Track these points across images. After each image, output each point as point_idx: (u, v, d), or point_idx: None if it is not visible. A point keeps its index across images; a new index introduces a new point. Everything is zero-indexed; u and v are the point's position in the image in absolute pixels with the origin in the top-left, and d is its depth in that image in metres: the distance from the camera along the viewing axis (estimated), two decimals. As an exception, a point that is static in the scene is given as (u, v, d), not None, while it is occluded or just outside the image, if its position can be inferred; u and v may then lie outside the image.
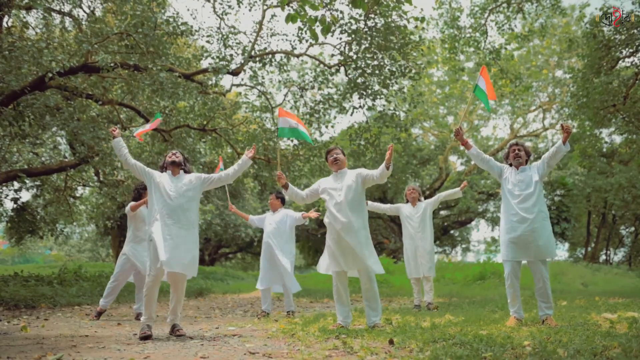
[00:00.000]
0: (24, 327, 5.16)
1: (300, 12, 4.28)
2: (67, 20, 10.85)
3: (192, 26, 10.06)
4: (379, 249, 29.50)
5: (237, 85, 12.84)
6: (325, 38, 10.68)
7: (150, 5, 9.48)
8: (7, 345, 4.14)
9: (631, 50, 10.46)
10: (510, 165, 5.21)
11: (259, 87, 12.39)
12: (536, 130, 25.52)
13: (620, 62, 11.07)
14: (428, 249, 7.32)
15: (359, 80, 11.23)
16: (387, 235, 30.71)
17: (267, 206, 24.31)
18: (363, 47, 10.95)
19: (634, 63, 10.75)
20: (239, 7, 11.26)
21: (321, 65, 12.23)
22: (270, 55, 11.35)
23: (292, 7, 9.88)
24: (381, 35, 10.53)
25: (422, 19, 10.73)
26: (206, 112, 11.78)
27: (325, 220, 5.05)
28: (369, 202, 7.27)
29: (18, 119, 10.05)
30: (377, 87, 11.33)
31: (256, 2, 11.36)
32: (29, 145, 13.11)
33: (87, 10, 10.64)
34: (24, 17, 10.78)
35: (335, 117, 12.38)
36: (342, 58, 11.42)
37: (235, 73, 11.00)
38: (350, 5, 10.04)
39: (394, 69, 11.13)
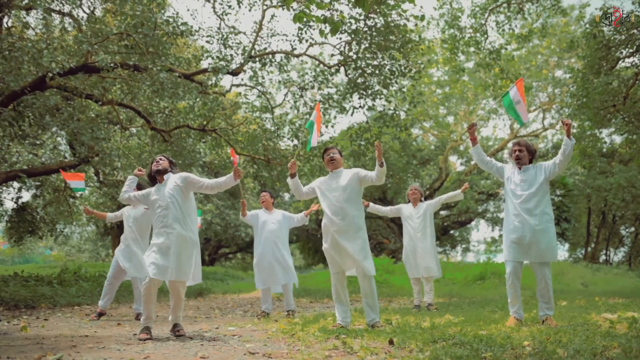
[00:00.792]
0: (23, 327, 5.16)
1: (307, 12, 4.27)
2: (67, 20, 10.86)
3: (192, 26, 10.06)
4: (379, 249, 29.52)
5: (237, 86, 12.85)
6: (333, 37, 10.67)
7: (150, 5, 9.48)
8: (7, 345, 4.14)
9: (631, 50, 10.45)
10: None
11: (258, 87, 12.39)
12: (536, 131, 25.53)
13: (620, 62, 11.06)
14: (429, 250, 7.27)
15: (359, 80, 11.23)
16: (386, 235, 30.71)
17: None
18: (363, 47, 10.95)
19: (634, 63, 10.75)
20: (239, 7, 11.26)
21: (321, 65, 12.23)
22: (270, 56, 11.35)
23: (293, 7, 9.88)
24: (381, 35, 10.53)
25: (422, 17, 10.73)
26: (206, 113, 11.78)
27: (323, 222, 5.04)
28: (370, 204, 7.24)
29: (18, 120, 10.06)
30: (377, 87, 11.33)
31: (256, 2, 11.36)
32: (28, 146, 13.11)
33: (87, 11, 10.65)
34: (24, 18, 10.78)
35: (335, 117, 12.38)
36: (342, 58, 11.42)
37: (235, 73, 11.00)
38: (350, 5, 10.04)
39: (394, 69, 11.13)
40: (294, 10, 10.92)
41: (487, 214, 30.02)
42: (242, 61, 10.86)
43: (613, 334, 3.87)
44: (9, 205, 14.80)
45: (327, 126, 12.42)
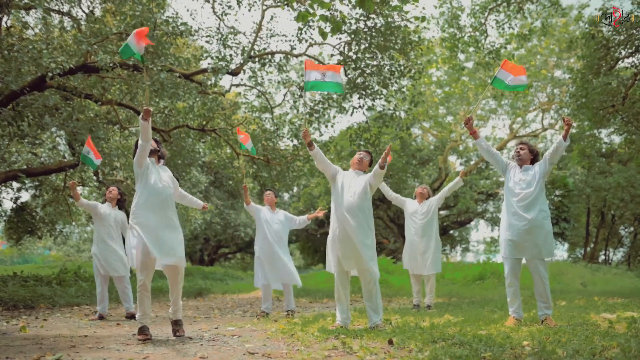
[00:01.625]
0: (23, 328, 5.16)
1: (310, 11, 4.27)
2: (66, 20, 10.85)
3: (191, 26, 10.05)
4: (379, 249, 29.51)
5: (237, 86, 12.85)
6: (334, 36, 10.68)
7: (149, 5, 9.48)
8: (6, 345, 4.14)
9: (630, 50, 10.46)
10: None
11: (258, 88, 12.39)
12: (535, 131, 25.55)
13: (619, 62, 11.07)
14: (433, 246, 7.24)
15: (358, 81, 11.23)
16: (386, 235, 30.72)
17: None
18: (363, 47, 10.95)
19: (633, 63, 10.75)
20: (239, 7, 11.26)
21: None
22: (269, 56, 11.35)
23: (292, 5, 9.87)
24: (381, 36, 10.53)
25: (423, 18, 10.73)
26: (205, 112, 11.78)
27: (333, 218, 5.01)
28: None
29: (17, 119, 10.05)
30: (376, 87, 11.33)
31: (255, 2, 11.36)
32: (28, 145, 13.11)
33: (86, 11, 10.65)
34: (23, 17, 10.78)
35: (334, 117, 12.38)
36: (341, 58, 11.42)
37: (234, 73, 11.00)
38: (351, 6, 10.04)
39: (393, 69, 11.13)
40: (293, 10, 10.93)
41: (486, 214, 30.03)
42: (242, 61, 10.86)
43: (612, 333, 3.87)
44: (8, 205, 14.81)
45: (326, 126, 12.42)
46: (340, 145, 19.60)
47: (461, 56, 15.62)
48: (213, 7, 11.37)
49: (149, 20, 9.07)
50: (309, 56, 12.23)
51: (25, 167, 12.39)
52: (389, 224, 28.12)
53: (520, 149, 5.15)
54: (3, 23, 9.75)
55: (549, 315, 4.83)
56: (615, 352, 3.14)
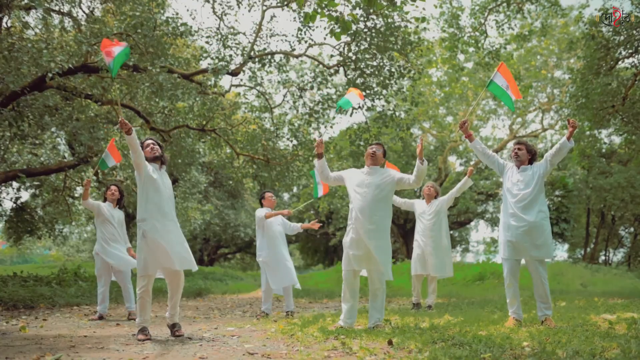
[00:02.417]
0: (22, 328, 5.15)
1: (319, 11, 4.25)
2: (67, 20, 10.85)
3: (191, 27, 10.05)
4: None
5: (236, 86, 12.86)
6: (344, 36, 10.67)
7: (149, 5, 9.48)
8: (5, 345, 4.14)
9: (630, 51, 10.46)
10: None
11: (258, 88, 12.39)
12: (535, 131, 25.55)
13: (619, 62, 11.07)
14: (443, 248, 7.15)
15: (358, 81, 11.22)
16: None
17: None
18: (362, 47, 10.95)
19: (633, 64, 10.76)
20: (239, 7, 11.27)
21: (320, 66, 12.23)
22: (269, 56, 11.35)
23: (301, 6, 9.84)
24: (381, 36, 10.53)
25: (423, 19, 10.73)
26: (205, 113, 11.78)
27: (349, 216, 4.95)
28: None
29: (17, 119, 10.05)
30: (376, 88, 11.33)
31: (255, 2, 11.36)
32: (28, 146, 13.10)
33: (87, 11, 10.65)
34: (24, 18, 10.77)
35: (334, 118, 12.38)
36: (341, 59, 11.42)
37: (234, 73, 11.00)
38: (353, 6, 10.02)
39: (393, 70, 11.13)
40: (293, 10, 10.92)
41: (486, 215, 30.04)
42: (242, 61, 10.87)
43: (612, 334, 3.87)
44: (8, 205, 14.80)
45: (325, 126, 12.42)
46: (340, 146, 19.61)
47: (461, 56, 15.62)
48: (213, 7, 11.38)
49: (149, 20, 9.07)
50: (309, 56, 12.24)
51: (25, 167, 12.39)
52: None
53: (518, 149, 5.09)
54: (3, 23, 9.75)
55: (549, 315, 4.82)
56: (615, 353, 3.14)
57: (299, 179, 12.91)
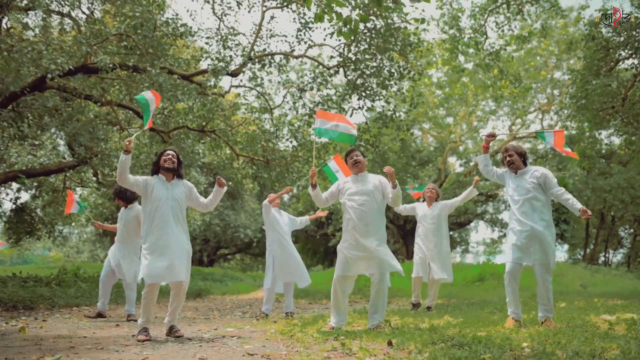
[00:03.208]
0: (22, 328, 5.15)
1: (326, 10, 4.23)
2: (66, 21, 10.85)
3: (191, 27, 10.06)
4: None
5: (236, 87, 12.86)
6: (333, 37, 10.68)
7: (149, 6, 9.48)
8: (5, 346, 4.13)
9: (630, 52, 10.46)
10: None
11: (257, 89, 12.40)
12: (535, 132, 25.54)
13: (619, 63, 11.08)
14: (443, 252, 7.13)
15: (358, 82, 11.23)
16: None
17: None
18: (362, 48, 10.96)
19: (632, 65, 10.76)
20: (239, 8, 11.27)
21: (320, 67, 12.24)
22: (269, 57, 11.35)
23: (308, 6, 9.83)
24: (381, 37, 10.54)
25: (422, 20, 10.73)
26: (205, 113, 11.79)
27: (344, 224, 4.98)
28: None
29: (17, 120, 10.06)
30: (376, 88, 11.33)
31: (255, 3, 11.37)
32: (28, 146, 13.11)
33: (86, 12, 10.65)
34: (23, 18, 10.78)
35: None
36: (341, 59, 11.42)
37: (234, 74, 11.00)
38: (353, 7, 10.03)
39: (393, 70, 11.13)
40: (293, 11, 10.93)
41: (486, 215, 30.04)
42: (241, 62, 10.87)
43: (612, 335, 3.87)
44: (8, 205, 14.80)
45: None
46: (339, 147, 19.60)
47: (461, 57, 15.64)
48: (213, 8, 11.38)
49: (149, 21, 9.07)
50: (309, 57, 12.23)
51: (25, 167, 12.39)
52: (389, 225, 28.10)
53: (509, 156, 5.03)
54: (3, 24, 9.75)
55: (549, 317, 4.82)
56: (615, 354, 3.14)
57: (298, 180, 12.91)
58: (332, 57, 11.97)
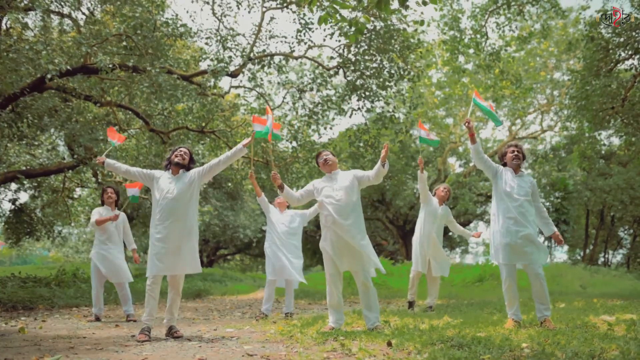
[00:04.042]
0: (21, 329, 5.15)
1: (332, 13, 4.22)
2: (66, 21, 10.84)
3: (190, 28, 10.06)
4: (378, 250, 29.51)
5: (236, 87, 12.86)
6: (334, 38, 10.69)
7: (149, 7, 9.48)
8: (4, 346, 4.13)
9: (630, 52, 10.46)
10: (505, 165, 5.17)
11: (257, 89, 12.40)
12: (534, 133, 25.56)
13: (619, 64, 11.08)
14: (442, 251, 7.29)
15: (357, 82, 11.23)
16: (385, 236, 30.71)
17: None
18: (362, 49, 10.96)
19: (632, 65, 10.76)
20: (238, 9, 11.28)
21: (320, 67, 12.24)
22: (268, 57, 11.35)
23: (311, 9, 9.82)
24: (380, 38, 10.54)
25: (422, 22, 10.74)
26: (204, 114, 11.78)
27: (322, 222, 5.02)
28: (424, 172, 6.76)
29: (16, 121, 10.05)
30: (375, 89, 11.33)
31: (255, 4, 11.37)
32: (27, 147, 13.10)
33: (86, 12, 10.64)
34: (23, 19, 10.77)
35: (333, 119, 12.39)
36: (340, 60, 11.43)
37: (234, 75, 11.00)
38: (352, 8, 10.03)
39: (392, 71, 11.14)
40: (293, 12, 10.93)
41: (485, 216, 30.01)
42: (241, 63, 10.87)
43: (611, 336, 3.87)
44: (7, 206, 14.80)
45: (325, 127, 12.42)
46: (339, 147, 19.60)
47: (461, 58, 15.65)
48: (212, 9, 11.38)
49: (149, 21, 9.07)
50: (309, 58, 12.23)
51: (24, 168, 12.38)
52: (388, 225, 28.10)
53: (518, 151, 5.10)
54: (2, 24, 9.75)
55: (548, 316, 4.82)
56: (615, 355, 3.14)
57: (298, 181, 12.90)
58: (331, 57, 11.97)
